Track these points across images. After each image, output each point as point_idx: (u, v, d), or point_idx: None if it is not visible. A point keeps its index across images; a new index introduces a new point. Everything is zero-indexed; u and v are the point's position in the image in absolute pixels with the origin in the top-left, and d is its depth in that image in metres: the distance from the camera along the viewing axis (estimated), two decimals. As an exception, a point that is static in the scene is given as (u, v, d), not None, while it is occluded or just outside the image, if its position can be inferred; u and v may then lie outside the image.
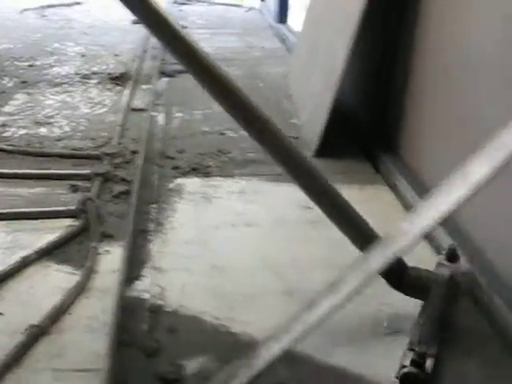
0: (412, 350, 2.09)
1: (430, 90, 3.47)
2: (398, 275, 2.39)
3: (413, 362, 2.03)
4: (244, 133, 4.40)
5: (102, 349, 2.14)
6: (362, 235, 2.30)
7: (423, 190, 3.35)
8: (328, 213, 2.31)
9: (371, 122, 4.24)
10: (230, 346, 2.22)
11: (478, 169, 1.59)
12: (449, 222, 2.98)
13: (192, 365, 2.15)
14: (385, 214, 3.23)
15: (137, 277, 2.65)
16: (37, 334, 2.23)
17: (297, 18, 7.58)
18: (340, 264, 2.66)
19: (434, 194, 1.65)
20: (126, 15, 9.09)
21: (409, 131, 3.77)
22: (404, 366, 2.03)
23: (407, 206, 3.37)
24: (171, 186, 3.53)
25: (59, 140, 4.19)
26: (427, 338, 2.16)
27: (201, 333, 2.32)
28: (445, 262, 2.58)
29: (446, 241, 2.85)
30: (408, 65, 3.73)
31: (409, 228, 1.63)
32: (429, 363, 2.08)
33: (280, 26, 8.21)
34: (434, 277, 2.40)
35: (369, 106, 4.33)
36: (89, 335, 2.27)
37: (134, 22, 8.48)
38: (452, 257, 2.64)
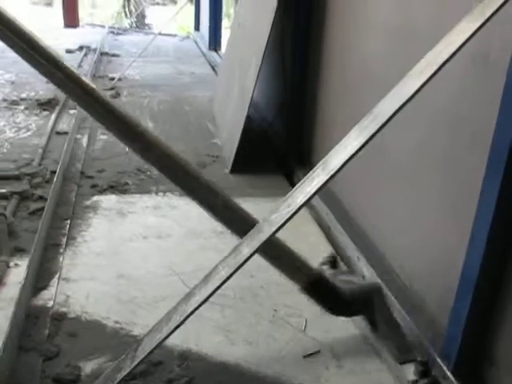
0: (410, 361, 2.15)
1: (335, 105, 3.67)
2: (340, 302, 2.35)
3: (422, 374, 2.11)
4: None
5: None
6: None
7: (332, 200, 3.52)
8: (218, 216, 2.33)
9: (287, 139, 4.41)
10: (128, 348, 2.29)
11: (335, 158, 1.75)
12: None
13: (89, 366, 2.22)
14: (294, 224, 3.36)
15: (44, 287, 2.71)
16: None
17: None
18: (243, 270, 2.80)
19: (302, 181, 1.81)
20: (61, 44, 9.13)
21: (320, 145, 3.95)
22: (416, 381, 2.10)
23: (317, 218, 3.53)
24: (88, 203, 3.60)
25: (-20, 163, 4.21)
26: (410, 343, 2.23)
27: (101, 336, 2.39)
28: (333, 271, 2.68)
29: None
30: (316, 82, 3.93)
31: (275, 216, 1.77)
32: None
33: (212, 53, 8.43)
34: (364, 288, 2.46)
35: (284, 124, 4.51)
36: (-11, 343, 2.32)
37: (68, 51, 8.59)
38: (335, 264, 2.73)
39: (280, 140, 4.57)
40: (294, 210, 1.74)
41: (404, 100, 1.72)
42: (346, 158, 1.71)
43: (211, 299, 2.52)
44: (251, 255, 1.75)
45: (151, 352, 1.84)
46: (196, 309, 1.76)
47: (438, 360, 2.17)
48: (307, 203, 1.77)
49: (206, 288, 1.79)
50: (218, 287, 1.74)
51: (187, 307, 1.80)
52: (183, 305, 1.83)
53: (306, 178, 1.87)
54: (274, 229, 1.74)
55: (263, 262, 2.86)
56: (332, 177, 1.74)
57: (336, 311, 2.37)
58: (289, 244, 3.12)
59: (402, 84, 1.83)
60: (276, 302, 2.64)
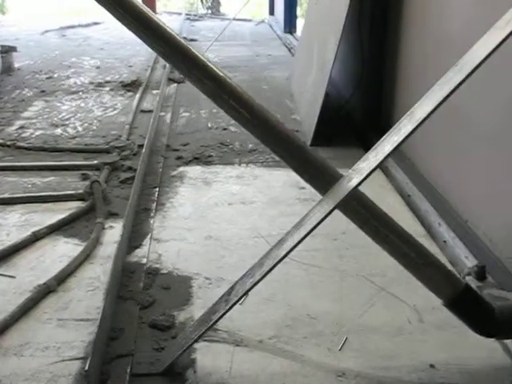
0: None
1: (415, 78, 3.68)
2: (486, 321, 1.97)
3: None
4: (245, 127, 4.66)
5: (101, 302, 2.35)
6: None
7: (411, 168, 3.54)
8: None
9: (366, 114, 4.45)
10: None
11: (421, 109, 1.81)
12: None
13: (182, 315, 2.36)
14: (376, 194, 3.41)
15: (138, 246, 2.89)
16: (44, 291, 2.46)
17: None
18: (325, 234, 2.89)
19: (388, 133, 1.88)
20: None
21: (399, 118, 3.95)
22: None
23: (397, 187, 3.56)
24: (174, 173, 3.77)
25: (73, 138, 4.47)
26: None
27: (192, 290, 2.53)
28: (478, 283, 2.41)
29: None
30: (395, 56, 3.95)
31: (364, 165, 1.85)
32: None
33: (288, 35, 8.50)
34: None
35: (363, 100, 4.54)
36: (91, 292, 2.50)
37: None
38: (482, 275, 2.48)
39: (358, 115, 4.61)
40: (381, 158, 1.81)
41: (490, 49, 1.75)
42: (432, 108, 1.76)
43: (297, 259, 2.66)
44: (340, 202, 1.82)
45: (244, 295, 1.95)
46: (288, 253, 1.84)
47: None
48: (394, 151, 1.83)
49: (298, 233, 1.87)
50: (310, 231, 1.82)
51: (279, 252, 1.88)
52: (275, 250, 1.93)
53: (392, 129, 1.94)
54: (363, 177, 1.81)
55: (347, 227, 2.93)
56: (418, 126, 1.80)
57: (483, 330, 1.99)
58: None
59: (487, 35, 1.85)
60: (360, 263, 2.70)
